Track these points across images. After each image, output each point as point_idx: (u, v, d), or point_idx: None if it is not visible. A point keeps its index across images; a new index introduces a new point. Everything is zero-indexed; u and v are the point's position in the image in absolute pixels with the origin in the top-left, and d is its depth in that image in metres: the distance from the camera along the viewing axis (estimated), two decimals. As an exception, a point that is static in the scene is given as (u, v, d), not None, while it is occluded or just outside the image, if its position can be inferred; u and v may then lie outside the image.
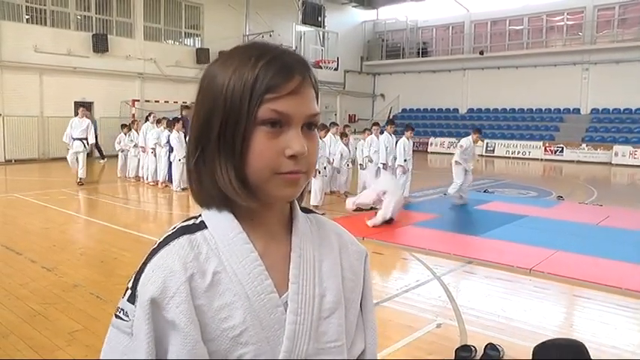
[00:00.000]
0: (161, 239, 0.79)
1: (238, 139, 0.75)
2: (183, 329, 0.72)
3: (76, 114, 12.13)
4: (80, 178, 11.64)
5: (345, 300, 0.85)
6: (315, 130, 0.80)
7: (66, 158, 12.19)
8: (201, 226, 0.80)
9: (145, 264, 0.76)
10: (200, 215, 0.82)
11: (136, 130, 13.31)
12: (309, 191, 8.47)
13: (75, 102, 18.39)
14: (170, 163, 11.38)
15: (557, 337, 3.60)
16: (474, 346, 3.54)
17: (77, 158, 11.65)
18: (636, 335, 4.11)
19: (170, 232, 0.80)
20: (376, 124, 11.31)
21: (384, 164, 10.19)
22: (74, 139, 11.62)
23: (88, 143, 11.79)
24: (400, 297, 4.75)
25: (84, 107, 12.25)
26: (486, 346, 3.54)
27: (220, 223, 0.79)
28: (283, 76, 0.75)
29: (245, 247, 0.77)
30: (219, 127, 0.76)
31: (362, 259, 0.92)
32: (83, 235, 6.99)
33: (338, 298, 0.84)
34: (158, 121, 12.16)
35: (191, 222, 0.81)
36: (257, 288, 0.76)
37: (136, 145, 12.96)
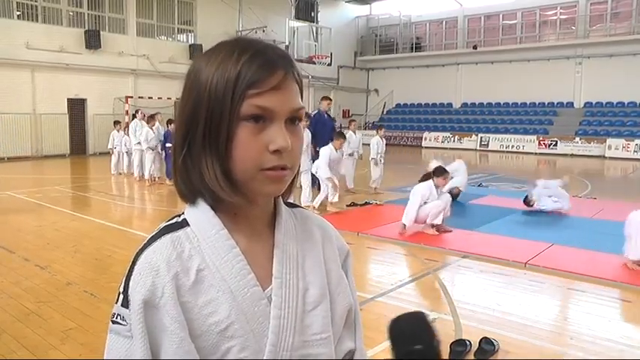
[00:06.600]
0: (145, 241, 0.80)
1: (223, 135, 0.75)
2: (168, 327, 0.73)
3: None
4: None
5: (331, 293, 0.86)
6: (300, 124, 0.79)
7: (59, 156, 11.66)
8: (184, 223, 0.80)
9: (132, 267, 0.78)
10: (183, 213, 0.83)
11: (124, 130, 13.36)
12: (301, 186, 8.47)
13: (68, 99, 18.34)
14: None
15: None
16: (468, 341, 3.54)
17: None
18: (630, 328, 4.13)
19: (154, 233, 0.81)
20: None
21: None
22: None
23: None
24: (395, 292, 4.75)
25: None
26: (481, 340, 3.55)
27: (202, 221, 0.80)
28: (265, 71, 0.75)
29: (227, 244, 0.78)
30: (204, 123, 0.76)
31: (344, 257, 0.93)
32: (77, 233, 6.95)
33: (322, 291, 0.84)
34: (148, 120, 12.05)
35: (174, 220, 0.82)
36: (240, 282, 0.77)
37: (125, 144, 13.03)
